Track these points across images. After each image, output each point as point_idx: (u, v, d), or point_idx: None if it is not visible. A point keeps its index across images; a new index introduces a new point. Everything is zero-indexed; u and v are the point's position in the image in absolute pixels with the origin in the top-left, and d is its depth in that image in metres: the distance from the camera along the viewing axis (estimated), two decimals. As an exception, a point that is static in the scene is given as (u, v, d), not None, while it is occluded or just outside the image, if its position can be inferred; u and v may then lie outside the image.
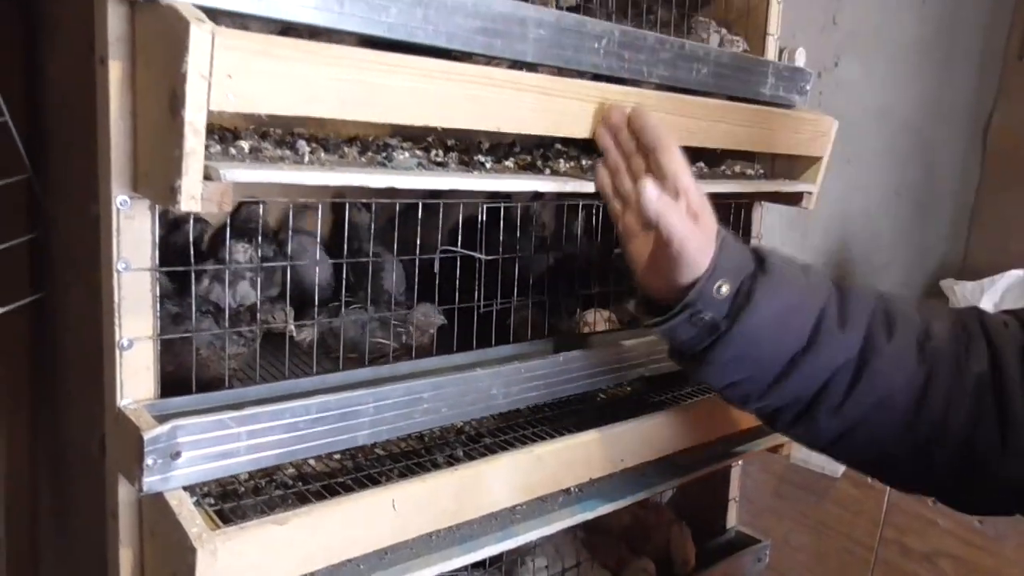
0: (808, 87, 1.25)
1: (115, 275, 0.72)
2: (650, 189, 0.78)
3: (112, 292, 0.72)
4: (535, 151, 1.10)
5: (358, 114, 0.72)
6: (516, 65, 0.90)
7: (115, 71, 0.71)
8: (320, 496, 0.79)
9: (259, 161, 0.76)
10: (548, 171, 0.99)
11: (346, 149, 0.90)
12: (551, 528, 0.93)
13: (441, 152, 0.97)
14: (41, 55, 0.92)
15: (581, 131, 0.93)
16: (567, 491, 0.99)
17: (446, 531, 0.84)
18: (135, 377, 0.73)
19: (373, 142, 0.96)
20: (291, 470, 0.86)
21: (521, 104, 0.85)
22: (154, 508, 0.70)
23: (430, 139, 1.03)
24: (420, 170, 0.84)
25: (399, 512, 0.77)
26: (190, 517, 0.67)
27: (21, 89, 0.91)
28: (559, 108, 0.90)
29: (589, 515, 0.98)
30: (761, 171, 1.29)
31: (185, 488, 0.70)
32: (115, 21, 0.70)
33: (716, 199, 1.26)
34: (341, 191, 1.00)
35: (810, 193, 1.26)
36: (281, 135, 0.89)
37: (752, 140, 1.15)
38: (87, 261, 0.80)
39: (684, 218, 0.80)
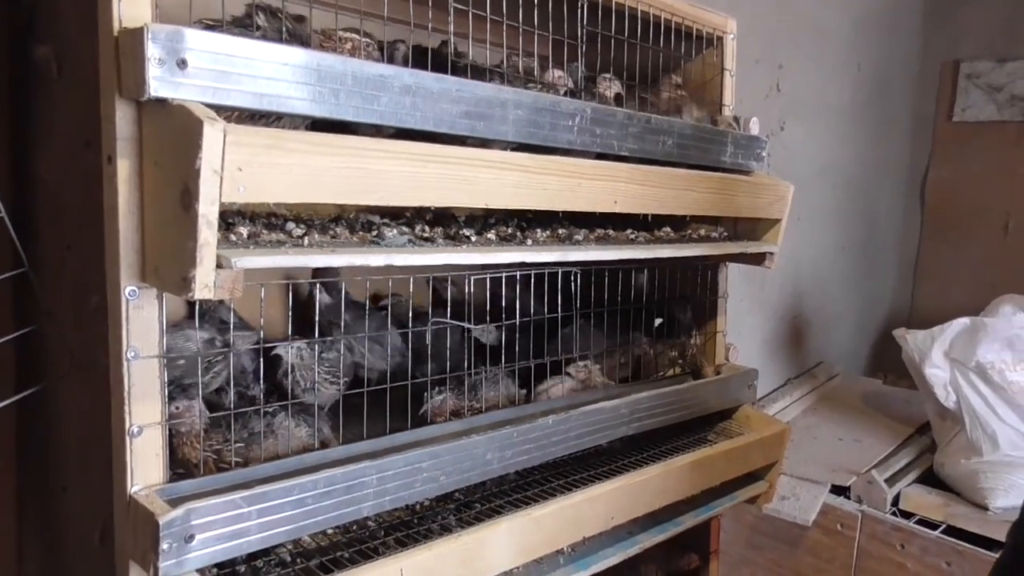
0: (764, 153, 1.33)
1: (125, 363, 0.73)
2: None
3: (122, 380, 0.74)
4: (509, 222, 1.15)
5: (360, 199, 0.77)
6: (493, 145, 0.96)
7: (123, 169, 0.73)
8: (323, 571, 0.80)
9: (260, 246, 0.79)
10: (529, 241, 1.04)
11: (336, 228, 0.94)
12: (551, 589, 0.95)
13: (426, 227, 1.01)
14: (32, 155, 0.94)
15: (561, 204, 0.98)
16: (561, 551, 1.01)
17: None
18: (145, 463, 0.74)
19: (356, 219, 0.99)
20: (288, 547, 0.87)
21: (505, 182, 0.90)
22: (169, 593, 0.71)
23: (408, 215, 1.07)
24: (412, 247, 0.88)
25: (411, 580, 0.79)
26: (207, 600, 0.68)
27: (10, 187, 0.93)
28: (540, 183, 0.96)
29: (585, 574, 1.00)
30: (724, 233, 1.36)
31: (198, 571, 0.71)
32: (123, 121, 0.73)
33: (685, 261, 1.34)
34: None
35: (772, 253, 1.33)
36: (267, 218, 0.92)
37: (717, 206, 1.22)
38: (88, 352, 0.82)
39: None
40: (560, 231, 1.13)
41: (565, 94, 1.11)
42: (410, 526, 0.95)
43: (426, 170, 0.82)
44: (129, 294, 0.74)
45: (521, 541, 0.92)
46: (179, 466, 0.81)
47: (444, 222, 1.07)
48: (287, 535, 0.77)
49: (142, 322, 0.74)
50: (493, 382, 1.16)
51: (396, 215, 1.04)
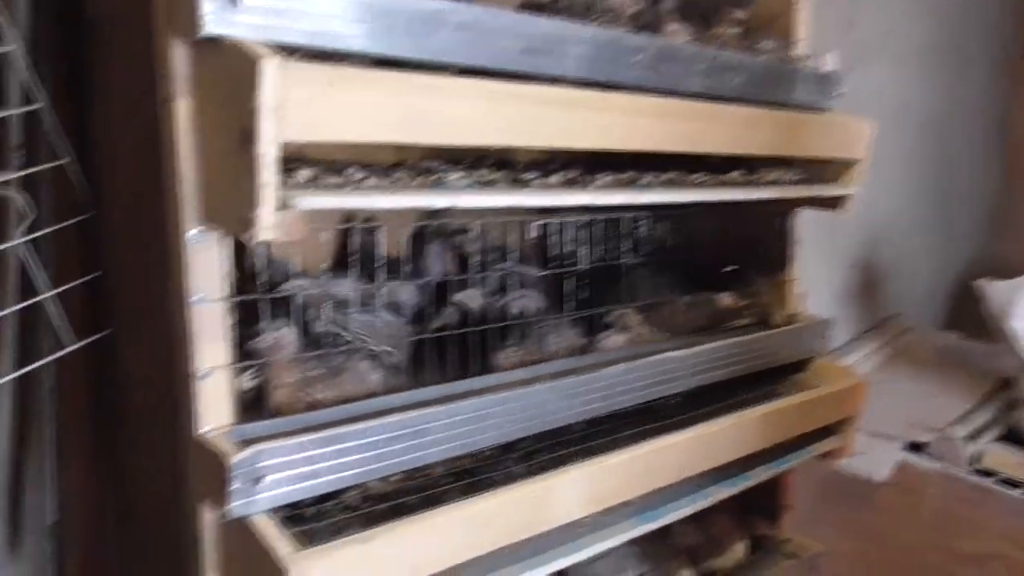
0: (839, 92, 1.26)
1: (190, 307, 0.73)
2: None
3: (187, 323, 0.74)
4: (571, 167, 1.11)
5: (421, 137, 0.74)
6: (557, 82, 0.92)
7: (180, 111, 0.73)
8: (390, 515, 0.80)
9: (321, 189, 0.78)
10: (595, 184, 1.01)
11: (396, 174, 0.92)
12: (619, 539, 0.94)
13: (486, 172, 0.99)
14: (92, 108, 0.94)
15: (630, 144, 0.94)
16: (630, 502, 0.99)
17: (519, 545, 0.85)
18: (213, 405, 0.74)
19: (416, 166, 0.97)
20: (354, 492, 0.87)
21: (574, 120, 0.87)
22: (239, 533, 0.71)
23: (469, 161, 1.05)
24: (475, 190, 0.86)
25: (478, 527, 0.78)
26: (279, 540, 0.68)
27: (74, 141, 0.94)
28: (607, 123, 0.92)
29: (653, 525, 0.98)
30: (797, 177, 1.30)
31: (266, 512, 0.71)
32: (179, 61, 0.72)
33: (756, 206, 1.28)
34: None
35: (849, 197, 1.26)
36: (327, 163, 0.91)
37: (791, 147, 1.16)
38: (153, 296, 0.82)
39: None
40: (624, 176, 1.09)
41: (629, 23, 1.07)
42: (473, 474, 0.93)
43: (492, 108, 0.79)
44: (193, 237, 0.73)
45: (589, 490, 0.90)
46: (254, 407, 0.81)
47: (505, 167, 1.04)
48: (355, 478, 0.77)
49: (206, 264, 0.74)
50: (556, 331, 1.14)
51: (456, 162, 1.02)
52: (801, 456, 1.29)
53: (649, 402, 1.15)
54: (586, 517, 0.93)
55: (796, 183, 1.27)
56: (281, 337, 0.81)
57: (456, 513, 0.77)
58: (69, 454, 0.96)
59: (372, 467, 0.77)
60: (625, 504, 0.98)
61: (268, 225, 0.66)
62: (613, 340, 1.17)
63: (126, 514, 0.99)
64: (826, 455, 1.38)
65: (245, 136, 0.67)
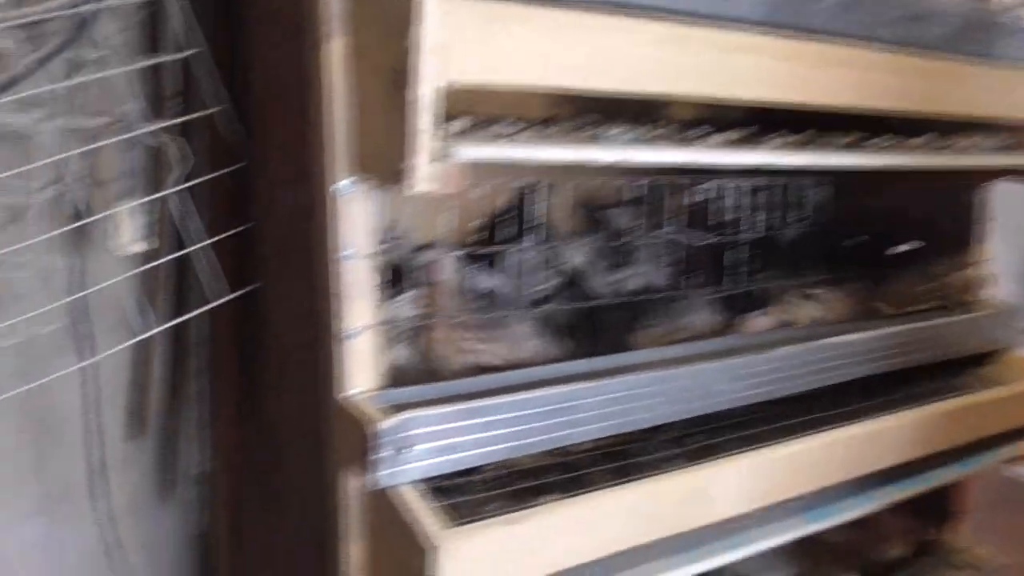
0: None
1: (337, 262, 0.69)
2: None
3: (334, 280, 0.70)
4: (726, 129, 1.01)
5: (598, 83, 0.67)
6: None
7: (332, 53, 0.68)
8: (533, 495, 0.74)
9: (478, 141, 0.72)
10: (773, 143, 0.90)
11: (549, 129, 0.85)
12: (782, 538, 0.85)
13: (645, 129, 0.90)
14: (242, 43, 0.92)
15: (817, 97, 0.84)
16: (793, 500, 0.89)
17: (676, 537, 0.77)
18: (359, 368, 0.70)
19: (571, 121, 0.90)
20: (495, 465, 0.82)
21: (760, 69, 0.77)
22: (382, 504, 0.67)
23: (628, 117, 0.96)
24: (645, 145, 0.78)
25: (635, 516, 0.71)
26: (426, 514, 0.63)
27: (224, 78, 0.92)
28: (787, 72, 0.81)
29: (822, 525, 0.88)
30: (999, 145, 1.14)
31: (412, 483, 0.67)
32: (332, 2, 0.68)
33: (947, 177, 1.14)
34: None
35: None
36: (479, 116, 0.85)
37: (997, 106, 1.01)
38: (301, 249, 0.79)
39: None
40: (799, 137, 0.98)
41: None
42: (623, 456, 0.86)
43: (669, 53, 0.70)
44: (343, 188, 0.69)
45: (754, 483, 0.82)
46: (400, 371, 0.77)
47: (668, 124, 0.95)
48: (504, 453, 0.71)
49: (356, 218, 0.70)
50: (711, 306, 1.05)
51: (614, 117, 0.94)
52: (985, 460, 1.15)
53: (814, 390, 1.04)
54: (745, 513, 0.84)
55: (998, 150, 1.11)
56: (438, 289, 0.76)
57: (611, 500, 0.71)
58: (219, 406, 0.96)
59: (520, 442, 0.72)
60: (790, 501, 0.89)
61: (424, 176, 0.61)
62: (776, 319, 1.07)
63: (269, 468, 0.99)
64: (1012, 460, 1.22)
65: (400, 78, 0.62)
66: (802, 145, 0.93)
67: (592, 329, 0.89)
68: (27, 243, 0.81)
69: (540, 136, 0.78)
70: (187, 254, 0.85)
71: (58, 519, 1.00)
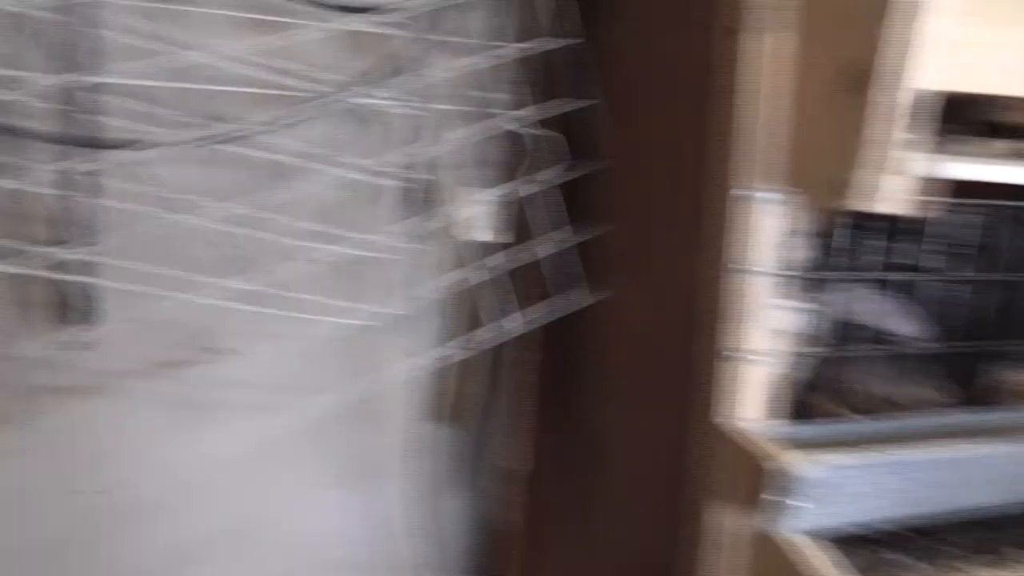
0: None
1: (740, 277, 0.63)
2: None
3: (732, 296, 0.64)
4: None
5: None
6: None
7: (760, 45, 0.62)
8: (930, 558, 0.64)
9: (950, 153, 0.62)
10: None
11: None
12: None
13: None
14: (607, 37, 0.88)
15: None
16: None
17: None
18: (748, 393, 0.64)
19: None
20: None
21: None
22: (770, 549, 0.61)
23: None
24: None
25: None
26: (831, 572, 0.56)
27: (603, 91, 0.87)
28: None
29: None
30: None
31: (806, 533, 0.60)
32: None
33: None
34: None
35: None
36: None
37: None
38: (679, 259, 0.73)
39: None
40: None
41: None
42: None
43: None
44: (755, 198, 0.63)
45: None
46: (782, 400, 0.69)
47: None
48: (905, 510, 0.62)
49: (762, 231, 0.63)
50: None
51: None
52: None
53: None
54: None
55: None
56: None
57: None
58: (534, 404, 0.94)
59: (926, 501, 0.62)
60: None
61: (890, 193, 0.53)
62: None
63: (586, 475, 0.94)
64: None
65: (860, 78, 0.54)
66: None
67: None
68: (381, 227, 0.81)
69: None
70: (538, 251, 0.82)
71: (359, 494, 1.02)
